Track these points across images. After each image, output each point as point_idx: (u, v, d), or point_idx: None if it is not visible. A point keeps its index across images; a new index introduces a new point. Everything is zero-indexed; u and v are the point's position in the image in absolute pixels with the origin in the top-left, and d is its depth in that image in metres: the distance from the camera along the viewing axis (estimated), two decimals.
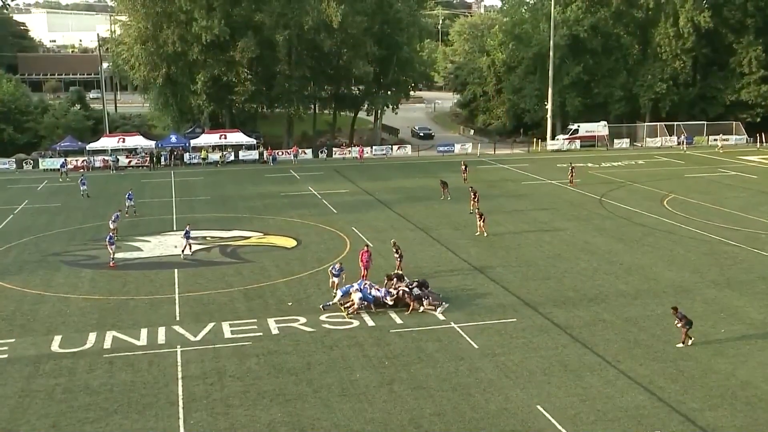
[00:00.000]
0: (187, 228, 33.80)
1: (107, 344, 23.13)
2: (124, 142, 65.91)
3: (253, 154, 67.54)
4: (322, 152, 70.23)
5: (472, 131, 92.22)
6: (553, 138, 76.43)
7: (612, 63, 78.31)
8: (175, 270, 31.24)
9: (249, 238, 37.21)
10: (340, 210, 42.88)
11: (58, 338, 23.68)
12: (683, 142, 74.21)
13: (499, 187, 52.49)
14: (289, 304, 26.79)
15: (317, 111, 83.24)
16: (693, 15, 74.87)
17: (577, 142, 74.74)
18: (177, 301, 27.15)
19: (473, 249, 34.35)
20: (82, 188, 49.18)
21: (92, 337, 23.72)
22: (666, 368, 21.20)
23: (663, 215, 41.96)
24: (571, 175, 53.51)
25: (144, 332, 24.06)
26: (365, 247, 29.48)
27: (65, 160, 61.28)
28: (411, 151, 72.28)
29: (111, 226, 36.41)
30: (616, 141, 75.64)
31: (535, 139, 76.57)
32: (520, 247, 34.98)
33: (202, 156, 65.39)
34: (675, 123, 77.40)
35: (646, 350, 22.52)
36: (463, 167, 54.94)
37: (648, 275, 30.23)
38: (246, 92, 67.67)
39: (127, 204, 42.74)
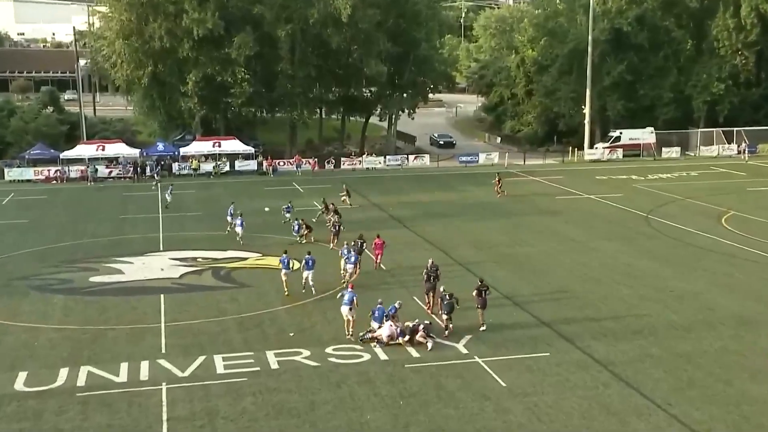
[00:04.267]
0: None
1: (81, 381, 23.16)
2: (103, 150, 66.64)
3: (251, 165, 67.97)
4: (329, 162, 70.60)
5: (498, 139, 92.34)
6: (591, 147, 76.39)
7: (660, 60, 78.35)
8: (161, 296, 31.38)
9: (246, 259, 37.32)
10: (349, 227, 42.86)
11: (23, 375, 23.66)
12: (744, 150, 73.76)
13: (529, 203, 52.47)
14: (291, 334, 26.82)
15: (324, 116, 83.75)
16: (758, 2, 74.20)
17: (619, 152, 74.67)
18: (163, 332, 27.24)
19: (499, 272, 34.30)
20: (168, 198, 50.35)
21: (63, 373, 23.73)
22: (727, 413, 20.95)
23: (720, 235, 41.75)
24: (498, 186, 54.16)
25: (124, 367, 24.11)
26: (377, 237, 34.51)
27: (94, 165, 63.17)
28: (429, 162, 72.52)
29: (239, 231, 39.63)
30: (664, 150, 75.49)
31: (570, 148, 76.61)
32: (553, 271, 34.89)
33: (193, 166, 65.95)
34: (735, 129, 77.07)
35: (703, 391, 22.29)
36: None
37: (703, 304, 30.03)
38: (243, 94, 68.23)
39: (230, 220, 42.03)
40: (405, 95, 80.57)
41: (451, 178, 64.25)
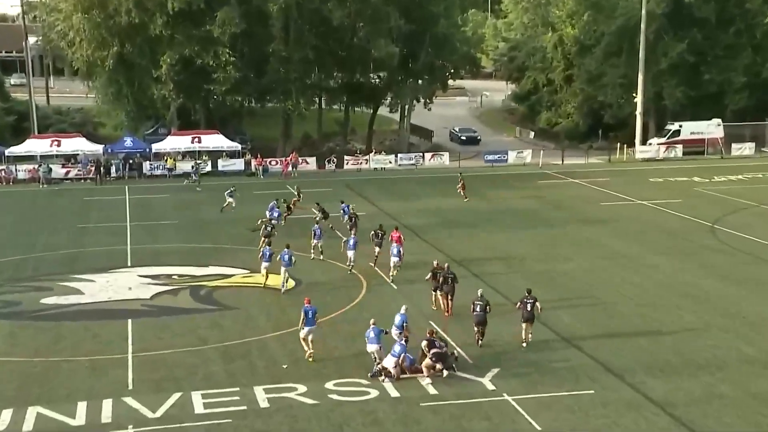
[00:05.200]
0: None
1: (28, 425, 23.13)
2: (59, 146, 66.99)
3: (238, 164, 68.22)
4: (329, 162, 70.80)
5: (532, 134, 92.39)
6: (644, 143, 76.37)
7: (731, 38, 78.14)
8: (129, 321, 31.41)
9: (230, 276, 37.42)
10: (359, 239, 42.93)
11: None
12: None
13: (568, 210, 52.47)
14: (284, 366, 26.87)
15: (323, 106, 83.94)
16: None
17: (679, 148, 74.67)
18: (130, 364, 27.28)
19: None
20: (228, 199, 50.98)
21: (6, 415, 23.69)
22: None
23: None
24: (462, 190, 55.00)
25: (82, 407, 24.10)
26: (395, 229, 38.05)
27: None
28: (449, 161, 72.65)
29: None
30: (734, 146, 75.53)
31: (618, 145, 76.54)
32: (598, 292, 34.81)
33: (168, 165, 66.31)
34: None
35: None
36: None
37: None
38: (227, 80, 68.37)
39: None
40: (420, 82, 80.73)
41: (476, 180, 64.01)
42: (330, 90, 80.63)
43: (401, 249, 36.40)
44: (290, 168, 67.08)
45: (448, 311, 31.58)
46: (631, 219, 49.48)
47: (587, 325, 30.80)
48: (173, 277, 37.28)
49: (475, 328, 28.43)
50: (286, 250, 34.63)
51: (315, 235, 39.45)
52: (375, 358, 26.21)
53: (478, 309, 28.42)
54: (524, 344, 28.38)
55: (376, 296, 33.60)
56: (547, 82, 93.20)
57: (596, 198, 56.51)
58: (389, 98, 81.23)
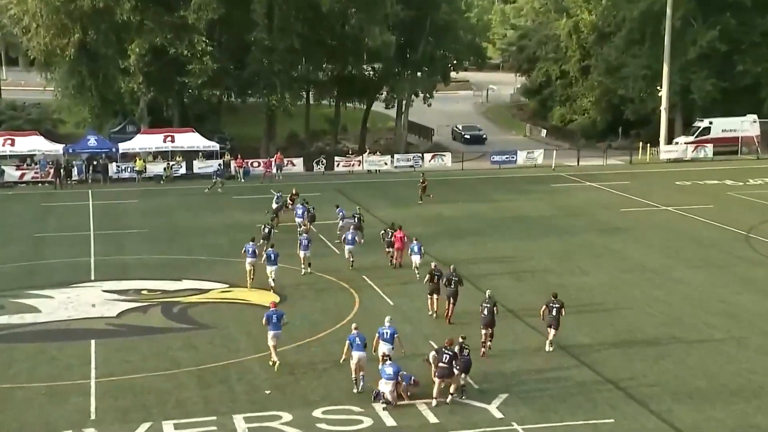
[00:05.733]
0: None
1: None
2: (13, 145, 66.92)
3: (215, 166, 68.09)
4: (318, 163, 70.83)
5: (544, 131, 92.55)
6: (669, 141, 76.52)
7: None
8: (92, 342, 31.29)
9: (207, 291, 37.38)
10: (343, 249, 42.91)
11: None
12: None
13: (584, 217, 52.56)
14: (267, 392, 26.82)
15: (311, 102, 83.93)
16: None
17: (709, 148, 74.79)
18: (93, 390, 27.16)
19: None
20: (275, 206, 50.63)
21: None
22: None
23: None
24: (421, 191, 55.83)
25: None
26: (398, 229, 40.09)
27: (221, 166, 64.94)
28: (451, 162, 72.69)
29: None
30: None
31: (641, 144, 76.72)
32: (618, 308, 34.80)
33: (137, 168, 66.30)
34: None
35: None
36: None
37: None
38: (204, 72, 68.38)
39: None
40: (419, 74, 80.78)
41: (481, 183, 64.20)
42: (319, 83, 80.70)
43: (422, 247, 38.66)
44: (274, 170, 67.02)
45: (448, 317, 32.50)
46: (655, 227, 49.49)
47: (606, 345, 30.72)
48: (142, 292, 37.14)
49: (482, 330, 29.26)
50: (270, 249, 36.85)
51: (301, 245, 39.45)
52: (359, 368, 26.33)
53: (485, 312, 29.42)
54: (550, 349, 29.78)
55: (370, 313, 33.46)
56: (561, 74, 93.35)
57: (616, 203, 56.56)
58: (385, 93, 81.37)
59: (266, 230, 41.61)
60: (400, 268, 39.97)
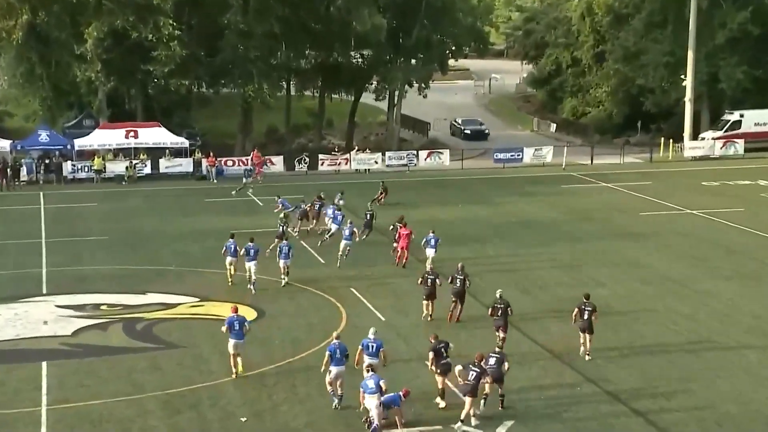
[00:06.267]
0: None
1: None
2: None
3: (185, 164, 68.15)
4: (300, 162, 70.81)
5: (553, 126, 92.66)
6: (695, 137, 76.61)
7: None
8: (43, 364, 31.06)
9: (175, 306, 37.26)
10: (333, 258, 42.81)
11: None
12: None
13: (599, 222, 52.68)
14: (243, 419, 26.73)
15: (293, 93, 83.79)
16: None
17: (739, 144, 74.95)
18: (44, 419, 26.98)
19: (555, 325, 34.23)
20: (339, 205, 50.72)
21: None
22: None
23: None
24: (380, 198, 56.08)
25: None
26: (403, 224, 41.86)
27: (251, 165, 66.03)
28: (450, 161, 72.79)
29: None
30: None
31: (662, 140, 76.81)
32: (638, 325, 34.75)
33: (95, 167, 66.17)
34: None
35: None
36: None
37: None
38: (171, 59, 68.18)
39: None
40: (413, 62, 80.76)
41: (483, 184, 64.21)
42: (301, 72, 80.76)
43: (439, 240, 40.63)
44: (249, 167, 66.87)
45: (450, 318, 34.39)
46: (679, 233, 49.59)
47: (625, 367, 30.65)
48: (101, 307, 37.01)
49: (497, 334, 30.97)
50: (250, 243, 38.36)
51: (281, 253, 39.46)
52: (336, 384, 26.59)
53: (499, 314, 31.17)
54: (587, 356, 30.86)
55: (359, 330, 33.16)
56: (573, 61, 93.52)
57: (635, 207, 56.64)
58: (375, 83, 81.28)
59: (281, 229, 43.08)
60: (404, 268, 41.36)
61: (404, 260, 41.68)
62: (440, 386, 26.95)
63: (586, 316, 30.73)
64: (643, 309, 36.58)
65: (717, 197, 58.95)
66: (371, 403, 24.94)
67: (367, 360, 26.86)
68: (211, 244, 45.56)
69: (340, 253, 41.70)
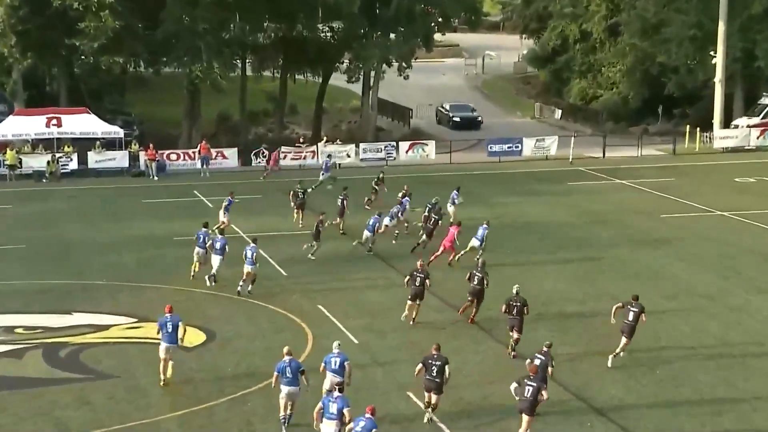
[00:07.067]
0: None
1: None
2: None
3: (119, 159, 67.91)
4: (258, 155, 70.71)
5: (558, 112, 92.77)
6: (727, 125, 76.87)
7: None
8: None
9: (107, 329, 37.00)
10: (294, 271, 42.70)
11: None
12: None
13: (614, 225, 52.89)
14: None
15: (249, 73, 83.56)
16: None
17: None
18: None
19: (564, 348, 33.96)
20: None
21: None
22: None
23: None
24: (373, 194, 56.66)
25: None
26: (456, 224, 44.42)
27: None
28: (435, 154, 72.93)
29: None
30: None
31: (688, 128, 77.09)
32: (658, 345, 34.82)
33: (8, 161, 65.99)
34: None
35: None
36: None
37: None
38: (102, 32, 68.06)
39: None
40: (393, 36, 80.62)
41: (475, 181, 64.09)
42: (258, 49, 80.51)
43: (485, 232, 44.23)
44: (199, 164, 66.92)
45: (463, 312, 36.97)
46: (707, 238, 49.67)
47: (642, 395, 30.60)
48: (17, 330, 36.75)
49: (511, 334, 33.32)
50: (219, 236, 41.19)
51: (246, 258, 39.83)
52: (287, 406, 26.87)
53: (514, 312, 33.06)
54: (620, 354, 32.59)
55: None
56: (581, 35, 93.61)
57: (655, 207, 56.76)
58: (347, 61, 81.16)
59: (316, 229, 44.86)
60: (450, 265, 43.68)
61: (452, 256, 44.29)
62: (426, 399, 27.97)
63: (631, 317, 32.13)
64: (665, 329, 36.35)
65: (752, 196, 59.27)
66: (327, 430, 25.01)
67: (330, 377, 27.22)
68: (150, 254, 45.41)
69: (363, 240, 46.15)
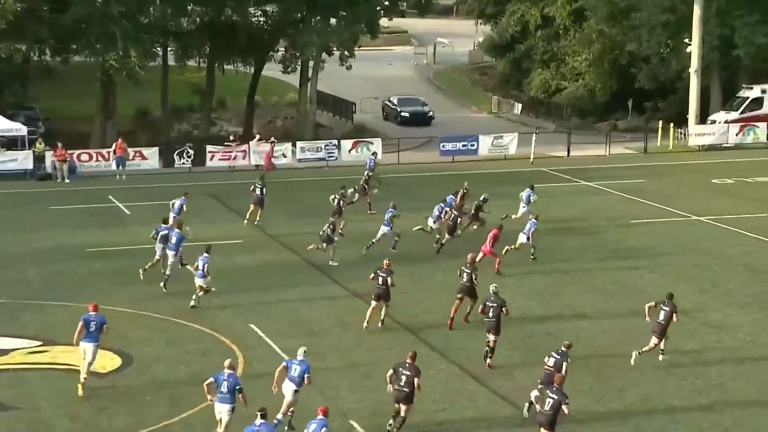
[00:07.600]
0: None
1: None
2: None
3: (22, 160, 67.47)
4: (182, 155, 70.56)
5: (518, 107, 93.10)
6: (703, 120, 77.47)
7: None
8: None
9: (7, 353, 36.68)
10: (223, 285, 42.59)
11: None
12: None
13: (579, 233, 53.34)
14: None
15: (171, 62, 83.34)
16: None
17: (761, 128, 75.80)
18: None
19: (526, 375, 33.62)
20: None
21: None
22: None
23: None
24: (367, 195, 57.48)
25: None
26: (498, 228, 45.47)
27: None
28: (382, 153, 72.79)
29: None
30: None
31: (660, 124, 77.68)
32: (631, 369, 34.74)
33: None
34: None
35: None
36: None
37: None
38: (1, 17, 67.83)
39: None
40: (333, 22, 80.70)
41: (426, 184, 64.23)
42: (182, 35, 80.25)
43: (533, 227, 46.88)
44: (114, 164, 66.62)
45: (458, 315, 38.40)
46: (683, 247, 50.05)
47: (615, 423, 30.63)
48: None
49: (488, 336, 34.16)
50: (176, 230, 42.64)
51: (198, 270, 40.29)
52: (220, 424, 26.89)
53: (491, 314, 34.01)
54: (638, 354, 34.36)
55: (261, 379, 32.83)
56: (543, 21, 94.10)
57: (625, 212, 57.19)
58: (282, 50, 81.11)
59: (325, 233, 46.25)
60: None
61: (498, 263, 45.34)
62: (395, 410, 28.51)
63: (661, 317, 33.93)
64: (636, 346, 35.95)
65: (732, 199, 59.82)
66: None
67: (288, 385, 27.56)
68: (57, 269, 45.10)
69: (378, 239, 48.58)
